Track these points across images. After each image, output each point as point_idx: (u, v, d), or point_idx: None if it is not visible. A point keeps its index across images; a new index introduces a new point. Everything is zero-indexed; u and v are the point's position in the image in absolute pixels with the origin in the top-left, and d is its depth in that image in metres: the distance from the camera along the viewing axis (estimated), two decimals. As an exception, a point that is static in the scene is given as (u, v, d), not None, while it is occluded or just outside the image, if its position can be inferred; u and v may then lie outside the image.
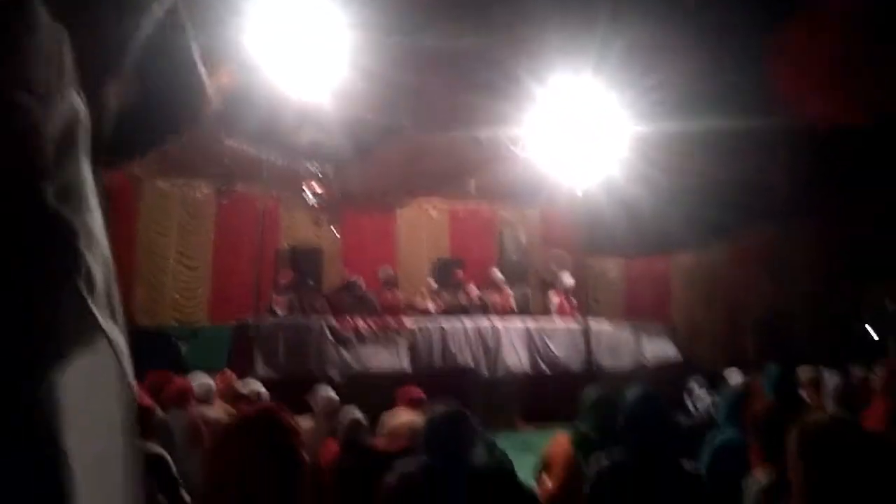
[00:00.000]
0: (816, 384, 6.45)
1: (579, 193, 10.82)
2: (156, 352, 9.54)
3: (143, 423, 4.20)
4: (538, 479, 4.52)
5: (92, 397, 0.84)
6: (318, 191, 11.98)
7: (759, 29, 8.27)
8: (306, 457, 4.77)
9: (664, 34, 8.13)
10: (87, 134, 0.89)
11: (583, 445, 4.07)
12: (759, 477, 2.99)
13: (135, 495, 0.90)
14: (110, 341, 0.89)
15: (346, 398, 6.16)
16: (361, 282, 11.95)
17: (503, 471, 2.88)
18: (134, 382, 0.97)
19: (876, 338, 11.07)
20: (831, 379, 5.62)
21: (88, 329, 0.85)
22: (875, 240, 11.53)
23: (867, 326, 11.01)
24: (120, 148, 0.97)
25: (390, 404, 6.03)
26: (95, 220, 0.93)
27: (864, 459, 2.00)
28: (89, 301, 0.86)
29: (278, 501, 1.61)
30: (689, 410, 7.09)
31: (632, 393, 3.16)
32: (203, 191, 12.85)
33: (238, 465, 1.63)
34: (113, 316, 0.94)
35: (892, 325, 10.28)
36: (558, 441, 4.40)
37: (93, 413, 0.83)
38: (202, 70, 1.01)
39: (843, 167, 10.70)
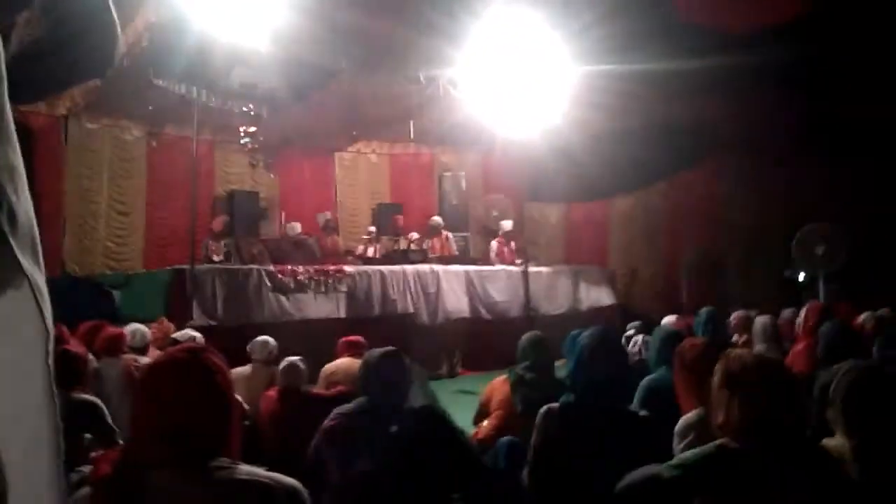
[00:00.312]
0: (746, 326, 6.67)
1: (519, 138, 10.79)
2: (88, 300, 9.31)
3: (76, 372, 4.12)
4: (477, 424, 4.59)
5: (7, 344, 0.80)
6: (254, 133, 11.70)
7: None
8: (237, 398, 4.76)
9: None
10: (2, 64, 0.83)
11: (519, 387, 4.14)
12: (686, 414, 3.08)
13: (56, 439, 0.88)
14: (32, 285, 0.85)
15: (286, 346, 6.13)
16: (298, 229, 11.85)
17: (437, 410, 2.90)
18: (52, 330, 0.92)
19: (803, 278, 11.43)
20: (760, 321, 5.79)
21: (8, 270, 0.80)
22: (809, 182, 11.84)
23: (797, 269, 11.34)
24: (22, 86, 0.90)
25: (331, 352, 6.03)
26: (17, 154, 0.87)
27: (782, 392, 2.08)
28: (11, 241, 0.81)
29: (206, 442, 1.58)
30: (632, 351, 7.27)
31: (588, 335, 3.02)
32: (133, 133, 12.41)
33: (163, 405, 1.59)
34: (35, 258, 0.89)
35: (821, 268, 10.61)
36: (495, 384, 4.47)
37: (9, 361, 0.80)
38: (114, 12, 0.95)
39: (775, 94, 10.84)
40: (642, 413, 2.99)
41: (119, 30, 0.99)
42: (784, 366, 2.21)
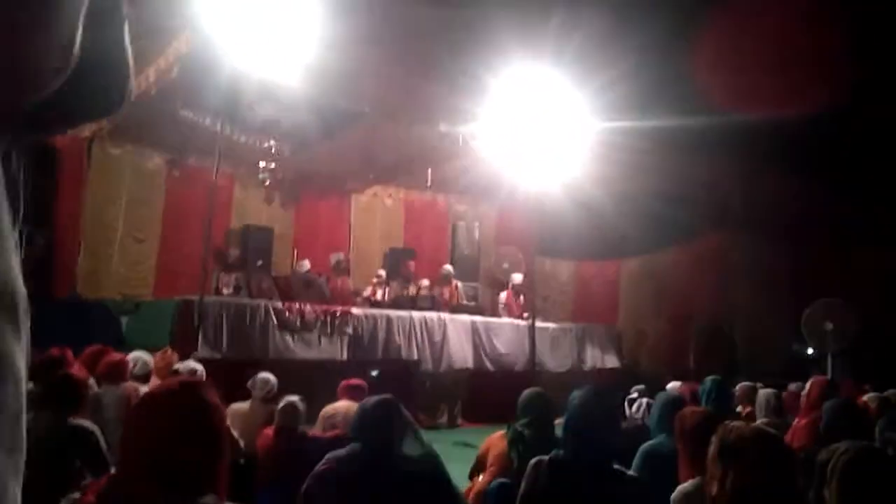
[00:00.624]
0: (751, 397, 6.61)
1: (535, 191, 10.87)
2: (94, 324, 9.34)
3: (76, 397, 4.11)
4: (472, 478, 4.55)
5: None
6: (273, 170, 11.83)
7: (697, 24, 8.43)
8: (229, 436, 4.73)
9: (620, 30, 8.23)
10: None
11: (517, 444, 4.10)
12: (684, 482, 3.05)
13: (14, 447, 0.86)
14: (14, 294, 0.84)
15: (287, 384, 6.11)
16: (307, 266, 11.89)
17: (431, 462, 2.88)
18: (27, 348, 0.92)
19: (811, 354, 11.35)
20: (764, 393, 5.75)
21: None
22: (819, 259, 11.86)
23: (806, 343, 11.27)
24: (35, 122, 0.92)
25: (333, 393, 6.01)
26: None
27: (778, 466, 2.06)
28: None
29: (194, 478, 1.56)
30: (627, 417, 7.20)
31: (580, 392, 3.09)
32: (155, 161, 12.57)
33: (153, 438, 1.58)
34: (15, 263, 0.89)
35: (829, 344, 10.54)
36: (493, 439, 4.43)
37: None
38: (129, 50, 0.97)
39: (792, 175, 10.96)
40: (630, 473, 3.00)
41: (132, 69, 1.01)
42: (781, 440, 2.19)
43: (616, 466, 2.96)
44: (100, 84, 0.93)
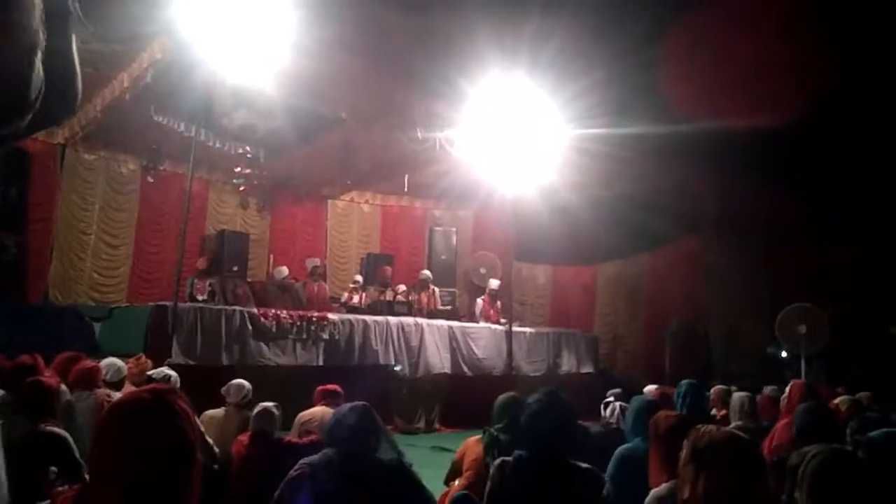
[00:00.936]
0: (725, 400, 6.67)
1: (510, 196, 10.91)
2: (68, 330, 9.23)
3: (47, 404, 4.07)
4: (448, 483, 4.55)
5: None
6: (249, 175, 11.78)
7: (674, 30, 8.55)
8: (203, 442, 4.69)
9: (594, 37, 8.31)
10: None
11: (493, 448, 4.11)
12: (657, 486, 3.07)
13: None
14: None
15: (262, 391, 6.08)
16: (286, 272, 11.86)
17: (404, 468, 2.89)
18: None
19: (785, 357, 11.49)
20: (738, 396, 5.80)
21: None
22: (792, 263, 12.02)
23: (780, 346, 11.41)
24: None
25: (308, 398, 5.99)
26: None
27: (749, 471, 2.08)
28: None
29: (163, 487, 1.55)
30: (602, 420, 7.25)
31: (535, 395, 3.25)
32: (129, 166, 12.47)
33: (122, 447, 1.56)
34: None
35: (803, 347, 10.67)
36: (469, 444, 4.44)
37: None
38: (76, 60, 0.98)
39: (763, 180, 11.12)
40: (584, 465, 3.11)
41: (79, 75, 1.01)
42: (752, 445, 2.21)
43: (573, 462, 3.10)
44: (55, 90, 0.94)
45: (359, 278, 12.87)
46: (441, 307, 12.79)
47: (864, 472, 2.28)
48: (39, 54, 0.88)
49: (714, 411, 6.95)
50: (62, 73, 0.95)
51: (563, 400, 3.25)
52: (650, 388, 7.54)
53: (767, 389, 6.85)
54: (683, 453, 2.19)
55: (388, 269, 13.03)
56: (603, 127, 9.74)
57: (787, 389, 5.94)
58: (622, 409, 5.91)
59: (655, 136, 9.72)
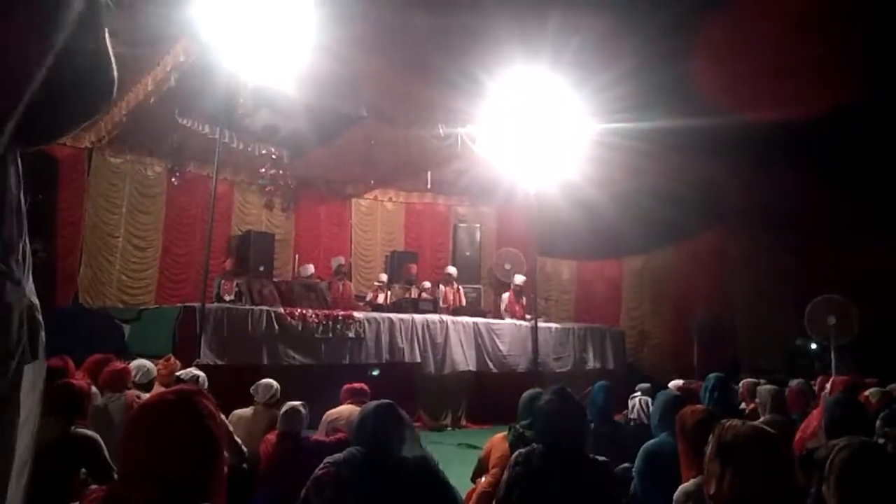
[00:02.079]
0: (754, 394, 6.60)
1: (533, 192, 10.87)
2: (97, 332, 9.37)
3: (78, 406, 4.12)
4: (475, 480, 4.54)
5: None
6: (273, 175, 11.85)
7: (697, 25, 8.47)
8: (232, 441, 4.72)
9: (617, 31, 8.25)
10: None
11: (519, 445, 4.10)
12: (685, 481, 3.05)
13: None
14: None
15: (290, 389, 6.13)
16: (312, 270, 11.94)
17: (430, 466, 2.89)
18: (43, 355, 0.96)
19: (814, 349, 11.37)
20: (766, 390, 5.73)
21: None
22: (820, 254, 11.87)
23: (808, 338, 11.28)
24: (28, 131, 0.94)
25: (336, 397, 6.02)
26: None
27: (775, 465, 2.06)
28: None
29: (191, 486, 1.57)
30: (630, 415, 7.20)
31: (545, 395, 3.40)
32: (155, 169, 12.62)
33: (150, 447, 1.59)
34: (25, 275, 0.92)
35: (833, 338, 10.54)
36: (495, 441, 4.43)
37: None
38: (111, 53, 1.00)
39: (789, 173, 11.00)
40: (598, 458, 3.25)
41: (113, 65, 1.03)
42: (778, 439, 2.19)
43: (588, 455, 3.24)
44: (83, 86, 0.95)
45: (384, 276, 12.92)
46: (465, 304, 12.79)
47: (893, 465, 2.24)
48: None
49: (743, 405, 6.89)
50: (97, 62, 0.97)
51: (574, 399, 3.39)
52: (676, 383, 7.49)
53: (794, 382, 6.76)
54: (709, 448, 2.18)
55: (413, 266, 13.07)
56: (626, 121, 9.67)
57: (829, 384, 5.89)
58: (643, 405, 5.86)
59: (680, 130, 9.63)
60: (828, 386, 6.58)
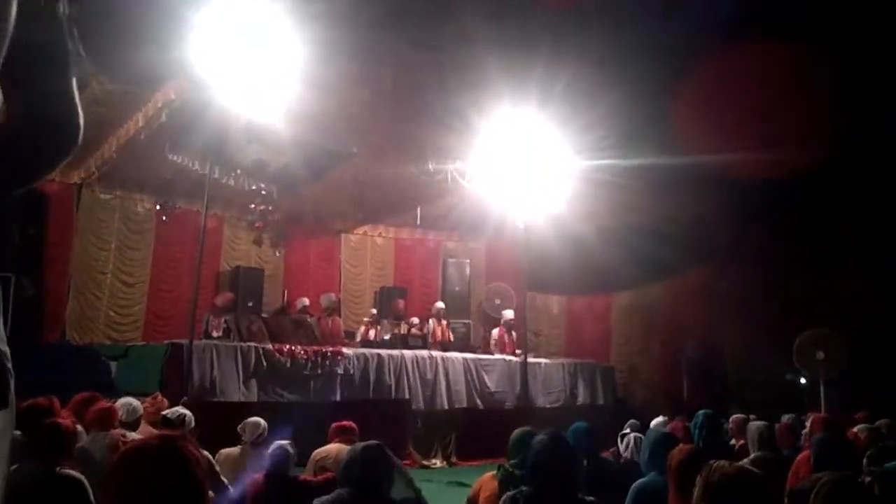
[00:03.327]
0: (743, 430, 6.59)
1: (522, 227, 10.93)
2: (84, 369, 9.29)
3: (64, 446, 4.08)
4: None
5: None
6: (263, 211, 11.87)
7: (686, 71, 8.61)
8: (218, 481, 4.67)
9: (604, 71, 8.38)
10: None
11: (508, 484, 4.08)
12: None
13: None
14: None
15: (277, 427, 6.08)
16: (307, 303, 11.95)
17: (418, 504, 2.90)
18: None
19: (803, 383, 11.39)
20: (755, 426, 5.73)
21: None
22: (808, 289, 11.94)
23: (798, 373, 11.31)
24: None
25: (324, 434, 5.98)
26: None
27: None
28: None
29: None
30: (619, 452, 7.17)
31: (539, 437, 3.37)
32: (145, 205, 12.62)
33: (134, 493, 1.58)
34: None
35: (821, 373, 10.56)
36: (484, 480, 4.41)
37: None
38: (76, 96, 1.01)
39: (777, 212, 11.12)
40: (589, 499, 3.22)
41: (80, 115, 1.05)
42: (762, 479, 2.20)
43: (580, 496, 3.22)
44: (57, 126, 0.97)
45: (374, 312, 12.90)
46: (451, 339, 12.74)
47: (872, 499, 2.26)
48: None
49: (733, 441, 6.87)
50: (64, 110, 0.99)
51: (567, 441, 3.38)
52: (660, 420, 7.48)
53: (785, 418, 6.76)
54: (697, 489, 2.19)
55: (402, 301, 13.05)
56: (613, 158, 9.77)
57: (809, 422, 5.90)
58: (636, 442, 5.85)
59: (667, 167, 9.75)
60: (807, 425, 6.59)
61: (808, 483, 2.37)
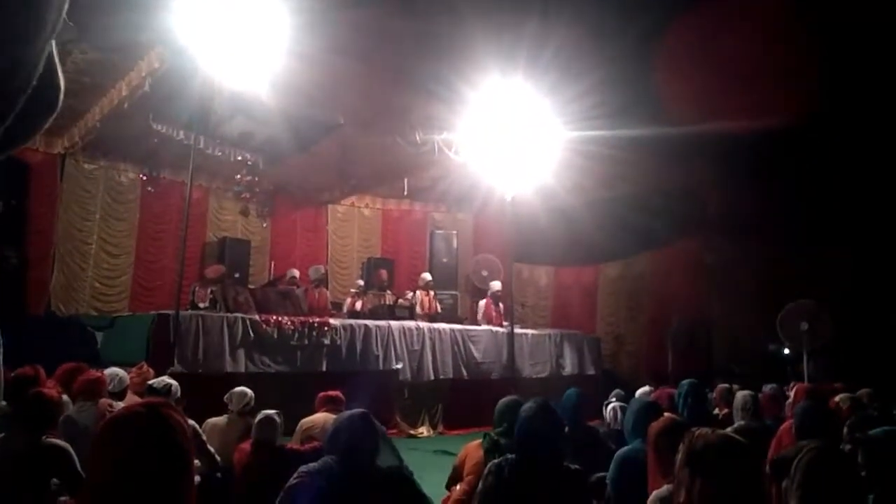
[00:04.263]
0: (727, 399, 6.67)
1: (510, 199, 10.92)
2: (70, 340, 9.25)
3: (49, 416, 4.08)
4: (450, 488, 4.55)
5: None
6: (249, 182, 11.80)
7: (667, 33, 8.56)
8: (205, 451, 4.68)
9: (592, 40, 8.32)
10: None
11: (494, 452, 4.11)
12: (657, 488, 3.08)
13: None
14: None
15: (264, 397, 6.10)
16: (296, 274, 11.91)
17: (404, 475, 2.91)
18: None
19: (787, 354, 11.50)
20: (740, 395, 5.80)
21: None
22: (794, 259, 12.01)
23: (782, 344, 11.40)
24: None
25: (311, 404, 6.00)
26: None
27: (744, 473, 2.09)
28: None
29: (161, 499, 1.56)
30: (606, 421, 7.23)
31: (527, 405, 3.37)
32: (129, 175, 12.52)
33: (118, 460, 1.58)
34: None
35: (805, 344, 10.65)
36: (470, 448, 4.44)
37: None
38: (58, 63, 0.99)
39: (764, 178, 11.13)
40: (573, 466, 3.27)
41: (61, 77, 1.02)
42: (747, 447, 2.22)
43: (564, 464, 3.26)
44: (37, 91, 0.95)
45: (360, 283, 12.90)
46: (438, 311, 12.76)
47: (853, 467, 2.30)
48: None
49: (717, 410, 6.96)
50: (46, 71, 0.97)
51: (554, 410, 3.38)
52: (645, 390, 7.55)
53: (768, 387, 6.84)
54: (679, 457, 2.20)
55: (384, 272, 13.01)
56: (601, 129, 9.73)
57: (792, 392, 5.96)
58: (621, 410, 5.90)
59: (654, 138, 9.73)
60: (791, 394, 6.67)
61: (791, 451, 2.40)
